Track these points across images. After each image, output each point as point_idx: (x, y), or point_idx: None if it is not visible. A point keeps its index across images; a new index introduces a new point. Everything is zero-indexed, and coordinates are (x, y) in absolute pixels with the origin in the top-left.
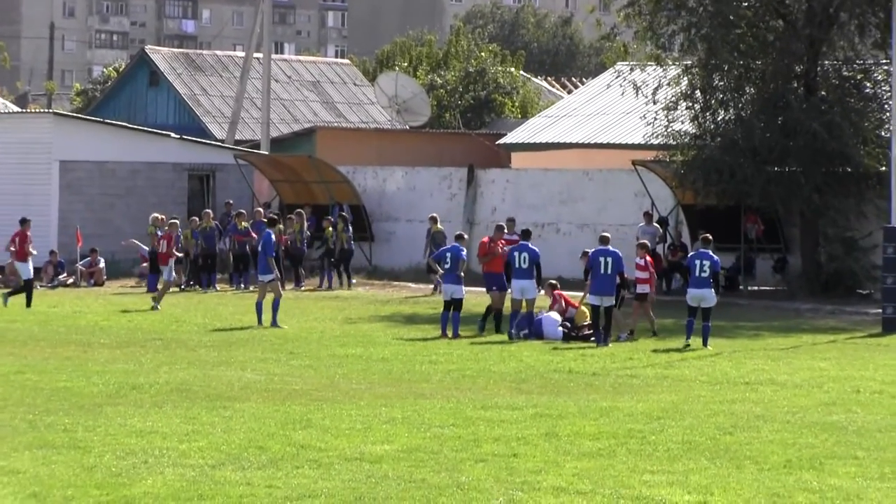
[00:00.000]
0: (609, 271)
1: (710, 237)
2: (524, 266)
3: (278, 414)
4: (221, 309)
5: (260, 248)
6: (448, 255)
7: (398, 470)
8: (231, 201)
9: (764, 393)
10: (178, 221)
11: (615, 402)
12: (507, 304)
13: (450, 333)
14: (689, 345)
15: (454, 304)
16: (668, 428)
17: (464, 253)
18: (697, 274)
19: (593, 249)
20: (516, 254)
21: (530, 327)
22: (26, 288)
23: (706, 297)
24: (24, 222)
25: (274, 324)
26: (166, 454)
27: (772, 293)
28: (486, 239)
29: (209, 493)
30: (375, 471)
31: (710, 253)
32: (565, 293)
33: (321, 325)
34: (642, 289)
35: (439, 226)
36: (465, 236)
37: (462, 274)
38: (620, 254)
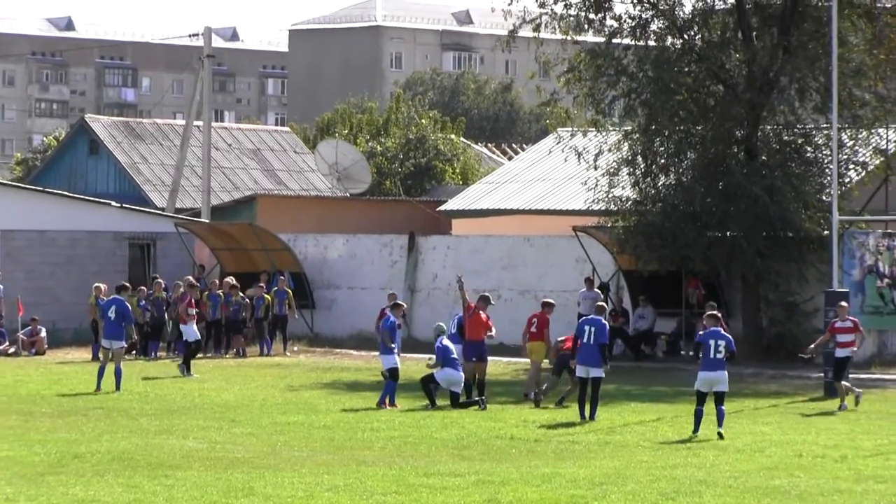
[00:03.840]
0: (592, 341)
1: (718, 314)
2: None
3: (220, 482)
4: (163, 378)
5: (112, 315)
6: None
7: None
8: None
9: (706, 457)
10: None
11: (557, 468)
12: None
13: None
14: (696, 436)
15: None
16: (610, 494)
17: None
18: (712, 355)
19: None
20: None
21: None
22: (191, 350)
23: (720, 379)
24: (191, 286)
25: (118, 388)
26: None
27: None
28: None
29: None
30: None
31: (723, 331)
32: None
33: (263, 392)
34: None
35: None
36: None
37: (392, 345)
38: (607, 325)
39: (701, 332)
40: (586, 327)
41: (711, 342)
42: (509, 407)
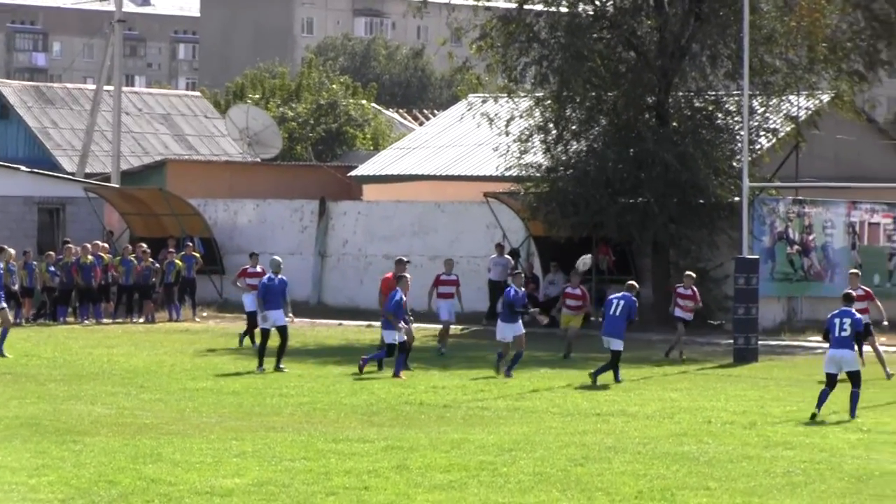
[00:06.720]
0: (618, 313)
1: (853, 294)
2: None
3: (128, 448)
4: (71, 343)
5: None
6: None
7: (249, 503)
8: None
9: (615, 424)
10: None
11: (466, 434)
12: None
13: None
14: (816, 414)
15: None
16: (519, 460)
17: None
18: (837, 333)
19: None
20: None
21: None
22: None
23: (846, 358)
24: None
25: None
26: (16, 489)
27: None
28: (389, 275)
29: None
30: None
31: (853, 311)
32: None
33: (171, 358)
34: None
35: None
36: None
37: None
38: (636, 301)
39: (830, 314)
40: (615, 301)
41: (837, 321)
42: (419, 372)
